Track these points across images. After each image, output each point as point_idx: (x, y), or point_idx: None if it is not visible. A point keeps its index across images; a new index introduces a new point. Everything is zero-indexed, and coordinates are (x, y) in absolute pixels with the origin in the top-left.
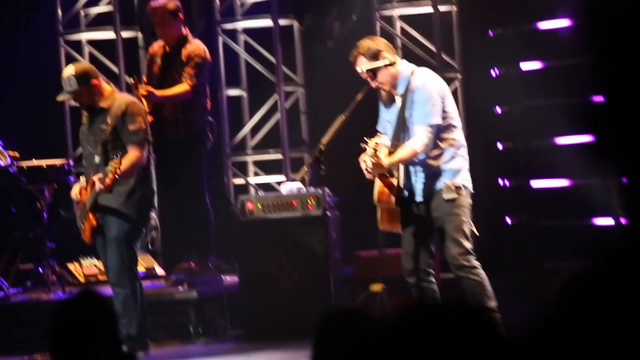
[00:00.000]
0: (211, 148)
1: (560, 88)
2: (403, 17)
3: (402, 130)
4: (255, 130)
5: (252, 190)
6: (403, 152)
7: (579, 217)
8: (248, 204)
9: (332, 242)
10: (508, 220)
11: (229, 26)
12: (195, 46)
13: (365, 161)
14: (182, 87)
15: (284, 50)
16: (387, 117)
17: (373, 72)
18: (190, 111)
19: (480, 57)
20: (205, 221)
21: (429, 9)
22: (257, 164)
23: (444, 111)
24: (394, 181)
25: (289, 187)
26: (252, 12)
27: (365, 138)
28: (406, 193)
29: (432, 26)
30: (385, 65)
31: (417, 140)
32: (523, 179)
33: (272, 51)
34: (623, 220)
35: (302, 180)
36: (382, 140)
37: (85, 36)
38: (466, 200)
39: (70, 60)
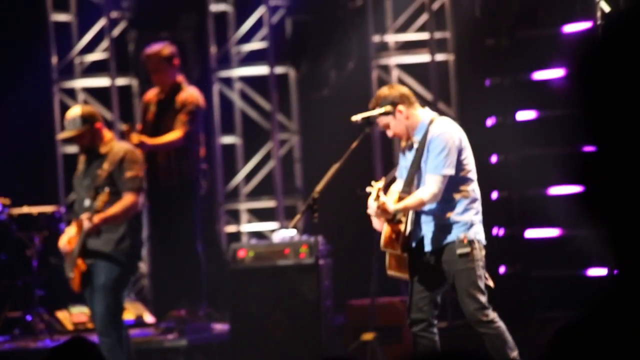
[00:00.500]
0: (204, 195)
1: (555, 138)
2: (400, 66)
3: (414, 178)
4: (249, 177)
5: (244, 238)
6: (411, 199)
7: (572, 267)
8: (240, 251)
9: (324, 290)
10: (502, 269)
11: (224, 74)
12: (190, 93)
13: (370, 205)
14: (175, 135)
15: (280, 97)
16: (404, 164)
17: (386, 122)
18: (184, 159)
19: (476, 106)
20: (197, 269)
21: (426, 58)
22: (250, 211)
23: (460, 162)
24: (401, 227)
25: (282, 235)
26: (249, 59)
27: (372, 182)
28: (415, 242)
29: (429, 75)
30: (393, 115)
31: (426, 190)
32: (517, 228)
33: (267, 98)
34: (615, 271)
35: (295, 228)
36: (397, 186)
37: (80, 83)
38: (480, 254)
39: (64, 107)
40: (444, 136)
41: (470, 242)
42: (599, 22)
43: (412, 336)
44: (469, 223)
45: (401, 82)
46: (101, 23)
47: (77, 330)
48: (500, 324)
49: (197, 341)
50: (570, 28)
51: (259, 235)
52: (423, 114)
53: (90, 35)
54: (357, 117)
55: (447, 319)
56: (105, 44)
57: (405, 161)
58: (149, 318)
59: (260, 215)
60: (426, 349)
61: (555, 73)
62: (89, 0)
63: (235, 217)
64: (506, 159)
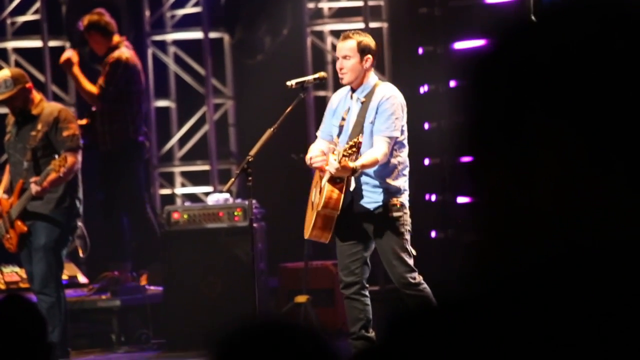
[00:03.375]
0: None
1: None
2: (334, 32)
3: (356, 137)
4: (183, 141)
5: (178, 200)
6: (367, 158)
7: None
8: (174, 214)
9: (258, 253)
10: (433, 234)
11: (158, 38)
12: (112, 54)
13: (331, 162)
14: (92, 88)
15: (214, 62)
16: (336, 122)
17: (349, 57)
18: (115, 122)
19: (409, 73)
20: (149, 230)
21: (360, 25)
22: (184, 174)
23: (401, 128)
24: (343, 187)
25: (216, 198)
26: (183, 24)
27: (334, 141)
28: (347, 203)
29: None
30: (360, 62)
31: (379, 150)
32: (449, 194)
33: (201, 63)
34: None
35: (230, 192)
36: (321, 145)
37: (11, 44)
38: (408, 219)
39: None
40: (396, 100)
41: (402, 206)
42: None
43: (345, 299)
44: (402, 188)
45: (334, 48)
46: None
47: (9, 289)
48: (426, 287)
49: (130, 302)
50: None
51: (193, 198)
52: (372, 76)
53: None
54: (291, 82)
55: (378, 283)
56: (37, 4)
57: (336, 120)
58: (82, 278)
59: (194, 178)
60: (358, 312)
61: (481, 43)
62: None
63: (169, 180)
64: (439, 126)
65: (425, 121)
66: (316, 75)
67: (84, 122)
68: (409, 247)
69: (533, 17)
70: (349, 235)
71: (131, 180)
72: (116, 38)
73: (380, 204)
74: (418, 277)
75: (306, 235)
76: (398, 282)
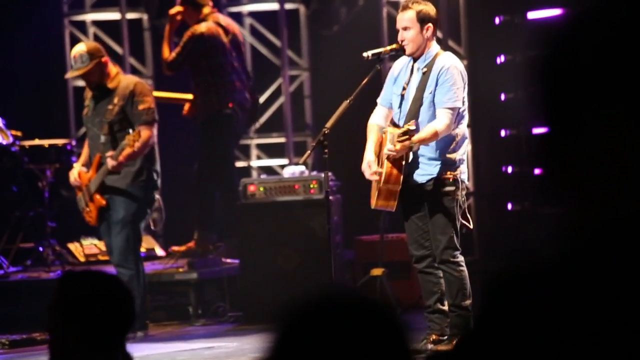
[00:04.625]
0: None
1: None
2: None
3: (417, 108)
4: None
5: (254, 173)
6: (426, 132)
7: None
8: (250, 186)
9: (334, 225)
10: (509, 206)
11: (235, 9)
12: (194, 27)
13: (388, 149)
14: (166, 54)
15: (290, 34)
16: (397, 91)
17: (409, 28)
18: (202, 94)
19: (486, 43)
20: (209, 204)
21: None
22: (260, 147)
23: (462, 99)
24: (403, 162)
25: (292, 170)
26: None
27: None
28: (407, 175)
29: (439, 11)
30: (420, 32)
31: (440, 122)
32: (526, 166)
33: (277, 35)
34: None
35: (305, 164)
36: (383, 113)
37: (90, 17)
38: (462, 194)
39: (74, 40)
40: (455, 70)
41: (455, 181)
42: None
43: (418, 273)
44: (459, 161)
45: None
46: None
47: (89, 262)
48: (464, 269)
49: (207, 275)
50: None
51: (268, 170)
52: (434, 46)
53: None
54: (367, 53)
55: (474, 254)
56: None
57: (398, 88)
58: (159, 251)
59: (269, 151)
60: (432, 285)
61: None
62: None
63: (245, 152)
64: (515, 96)
65: (502, 92)
66: (392, 46)
67: (190, 96)
68: (457, 225)
69: None
70: (413, 208)
71: (219, 152)
72: (206, 10)
73: (434, 175)
74: (459, 257)
75: (372, 205)
76: (438, 256)
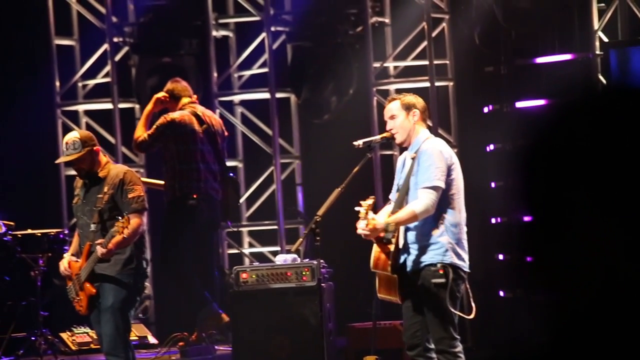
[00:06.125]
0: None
1: None
2: (400, 91)
3: (404, 195)
4: (250, 201)
5: (246, 260)
6: (402, 213)
7: None
8: (243, 274)
9: (327, 313)
10: (501, 293)
11: (226, 98)
12: (169, 114)
13: (359, 225)
14: (139, 133)
15: (281, 122)
16: (396, 182)
17: (396, 117)
18: (170, 179)
19: (475, 132)
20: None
21: (425, 84)
22: (252, 234)
23: (447, 181)
24: (391, 247)
25: (284, 257)
26: (250, 85)
27: (360, 201)
28: (400, 263)
29: (427, 101)
30: (407, 118)
31: (418, 202)
32: (517, 254)
33: (268, 123)
34: None
35: (297, 252)
36: (388, 208)
37: (82, 107)
38: (453, 283)
39: (67, 130)
40: (435, 149)
41: (445, 271)
42: (597, 52)
43: None
44: (450, 247)
45: None
46: (104, 47)
47: (81, 351)
48: (463, 358)
49: None
50: (564, 57)
51: (260, 257)
52: (423, 132)
53: (93, 60)
54: (358, 142)
55: (467, 341)
56: (107, 68)
57: (399, 179)
58: (152, 339)
59: (261, 238)
60: None
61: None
62: (92, 25)
63: (237, 240)
64: (505, 185)
65: (492, 180)
66: (383, 135)
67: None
68: (452, 314)
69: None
70: (407, 295)
71: (171, 238)
72: (185, 100)
73: (426, 263)
74: (457, 347)
75: (378, 295)
76: (435, 345)
